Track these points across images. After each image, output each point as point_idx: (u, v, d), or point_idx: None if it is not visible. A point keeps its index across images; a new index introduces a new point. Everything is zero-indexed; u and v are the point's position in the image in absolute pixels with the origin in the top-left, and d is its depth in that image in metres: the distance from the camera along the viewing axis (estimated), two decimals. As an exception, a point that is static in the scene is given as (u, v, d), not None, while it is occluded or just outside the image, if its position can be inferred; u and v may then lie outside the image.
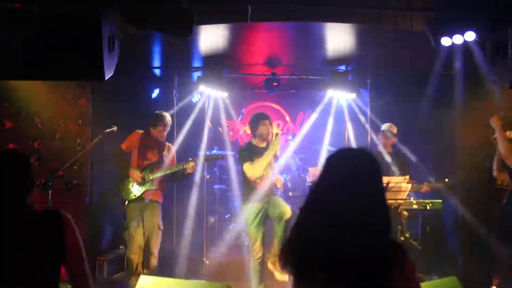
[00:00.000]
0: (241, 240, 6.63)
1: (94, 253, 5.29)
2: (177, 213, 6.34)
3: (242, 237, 6.61)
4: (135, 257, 4.56)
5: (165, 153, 4.77)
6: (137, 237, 4.58)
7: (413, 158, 5.55)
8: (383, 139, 5.49)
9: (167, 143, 4.90)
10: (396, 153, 5.49)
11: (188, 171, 4.71)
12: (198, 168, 5.29)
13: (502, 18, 3.69)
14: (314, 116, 7.02)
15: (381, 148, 5.48)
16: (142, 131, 4.82)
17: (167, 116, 4.79)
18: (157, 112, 4.81)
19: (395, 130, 5.53)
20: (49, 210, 2.09)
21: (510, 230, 4.48)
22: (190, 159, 4.74)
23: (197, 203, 6.35)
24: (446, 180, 4.98)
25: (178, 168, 4.68)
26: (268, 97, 8.04)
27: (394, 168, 5.18)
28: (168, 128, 4.81)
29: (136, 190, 4.65)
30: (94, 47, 3.39)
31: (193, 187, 5.95)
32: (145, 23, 3.64)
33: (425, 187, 5.19)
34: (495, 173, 4.40)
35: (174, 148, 5.06)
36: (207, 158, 5.10)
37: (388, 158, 5.28)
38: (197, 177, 6.00)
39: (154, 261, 4.66)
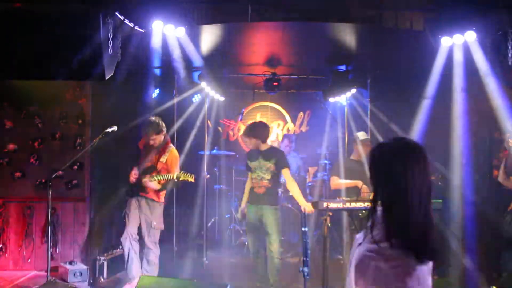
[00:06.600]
0: (241, 240, 6.63)
1: (94, 253, 5.29)
2: (177, 213, 6.33)
3: (242, 237, 6.62)
4: (125, 242, 4.64)
5: (162, 159, 4.71)
6: (130, 225, 4.63)
7: None
8: (365, 148, 5.11)
9: (171, 149, 4.74)
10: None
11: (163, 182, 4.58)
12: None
13: (502, 18, 3.69)
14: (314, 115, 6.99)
15: (362, 156, 5.13)
16: None
17: (154, 123, 4.64)
18: (149, 119, 4.71)
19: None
20: None
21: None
22: (174, 174, 4.54)
23: (197, 203, 6.35)
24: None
25: (162, 178, 4.56)
26: (268, 97, 8.04)
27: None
28: (154, 135, 4.63)
29: (134, 187, 4.69)
30: (94, 47, 3.40)
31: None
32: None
33: None
34: (500, 179, 4.39)
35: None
36: (178, 176, 4.55)
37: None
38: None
39: (152, 256, 4.65)
